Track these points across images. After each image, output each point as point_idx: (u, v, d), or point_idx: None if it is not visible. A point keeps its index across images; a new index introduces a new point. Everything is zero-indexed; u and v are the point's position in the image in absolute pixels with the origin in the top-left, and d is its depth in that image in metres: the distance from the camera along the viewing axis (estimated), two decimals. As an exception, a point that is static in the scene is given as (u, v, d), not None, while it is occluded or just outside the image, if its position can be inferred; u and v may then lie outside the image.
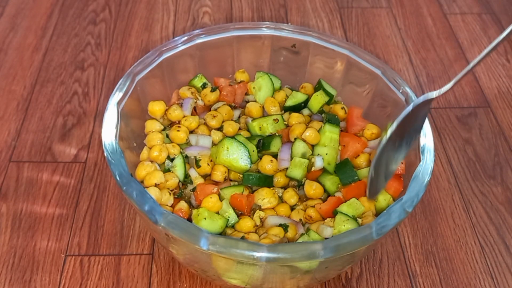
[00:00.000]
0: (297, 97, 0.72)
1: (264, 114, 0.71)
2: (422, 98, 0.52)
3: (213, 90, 0.70)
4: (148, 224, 0.56)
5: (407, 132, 0.54)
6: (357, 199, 0.60)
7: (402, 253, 0.70)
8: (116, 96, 0.62)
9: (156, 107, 0.67)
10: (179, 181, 0.63)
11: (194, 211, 0.59)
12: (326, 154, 0.65)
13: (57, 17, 1.02)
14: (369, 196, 0.55)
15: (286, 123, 0.69)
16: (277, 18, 1.05)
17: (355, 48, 0.70)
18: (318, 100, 0.70)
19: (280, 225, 0.60)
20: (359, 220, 0.59)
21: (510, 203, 0.76)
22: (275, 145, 0.66)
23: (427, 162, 0.58)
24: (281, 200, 0.64)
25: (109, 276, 0.66)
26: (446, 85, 0.52)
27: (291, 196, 0.63)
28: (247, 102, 0.72)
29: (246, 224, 0.59)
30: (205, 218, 0.57)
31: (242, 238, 0.58)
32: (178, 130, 0.66)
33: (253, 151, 0.65)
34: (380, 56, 0.98)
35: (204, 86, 0.71)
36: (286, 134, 0.67)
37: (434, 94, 0.52)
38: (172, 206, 0.61)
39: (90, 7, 1.05)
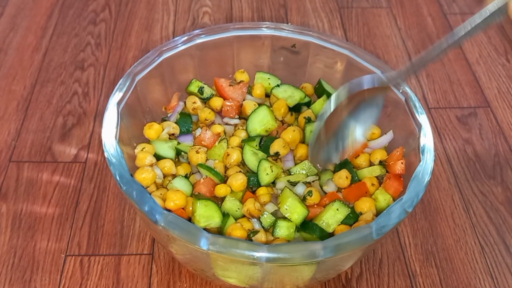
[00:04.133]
0: (297, 97, 0.72)
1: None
2: (371, 82, 0.54)
3: (206, 99, 0.71)
4: (148, 224, 0.56)
5: (362, 107, 0.55)
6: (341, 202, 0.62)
7: (402, 253, 0.70)
8: (116, 96, 0.62)
9: (152, 131, 0.66)
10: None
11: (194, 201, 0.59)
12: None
13: (57, 17, 1.02)
14: (311, 161, 0.56)
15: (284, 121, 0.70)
16: (277, 18, 1.05)
17: (355, 48, 0.70)
18: (322, 106, 0.70)
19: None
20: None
21: (510, 203, 0.76)
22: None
23: (427, 162, 0.58)
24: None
25: (109, 276, 0.66)
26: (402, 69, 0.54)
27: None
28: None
29: (238, 226, 0.59)
30: (205, 205, 0.59)
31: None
32: (197, 152, 0.65)
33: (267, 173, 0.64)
34: (380, 56, 0.98)
35: (201, 90, 0.71)
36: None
37: (386, 79, 0.54)
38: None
39: (90, 7, 1.05)
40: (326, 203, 0.62)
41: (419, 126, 0.62)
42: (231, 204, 0.61)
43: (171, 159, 0.65)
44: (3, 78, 0.90)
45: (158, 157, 0.65)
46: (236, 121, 0.70)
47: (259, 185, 0.63)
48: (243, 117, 0.71)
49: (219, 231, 0.60)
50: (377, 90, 0.54)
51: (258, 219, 0.61)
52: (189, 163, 0.66)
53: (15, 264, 0.67)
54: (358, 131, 0.56)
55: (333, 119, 0.52)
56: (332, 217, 0.59)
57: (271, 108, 0.69)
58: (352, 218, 0.61)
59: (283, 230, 0.59)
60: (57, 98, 0.87)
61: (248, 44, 0.74)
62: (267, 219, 0.60)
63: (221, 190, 0.62)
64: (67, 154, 0.79)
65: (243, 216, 0.61)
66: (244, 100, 0.72)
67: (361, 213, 0.61)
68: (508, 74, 0.96)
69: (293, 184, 0.64)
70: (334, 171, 0.66)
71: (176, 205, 0.59)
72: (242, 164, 0.66)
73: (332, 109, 0.52)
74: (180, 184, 0.62)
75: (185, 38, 0.70)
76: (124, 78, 0.64)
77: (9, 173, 0.76)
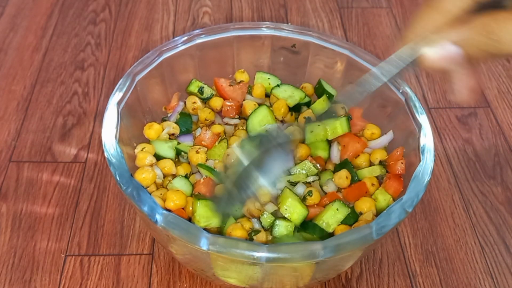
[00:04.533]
0: (297, 97, 0.72)
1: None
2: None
3: (206, 99, 0.71)
4: (148, 224, 0.56)
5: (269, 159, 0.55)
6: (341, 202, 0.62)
7: (402, 253, 0.70)
8: (116, 96, 0.62)
9: (152, 131, 0.66)
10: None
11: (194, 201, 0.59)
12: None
13: (57, 17, 1.02)
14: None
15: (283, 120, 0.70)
16: (277, 18, 1.05)
17: (355, 48, 0.70)
18: (323, 106, 0.70)
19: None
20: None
21: (510, 203, 0.76)
22: None
23: (427, 162, 0.58)
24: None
25: (109, 276, 0.66)
26: None
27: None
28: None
29: (238, 227, 0.59)
30: (205, 205, 0.58)
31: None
32: (197, 152, 0.65)
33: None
34: (380, 56, 0.98)
35: (201, 90, 0.71)
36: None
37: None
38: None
39: (90, 7, 1.05)
40: (326, 203, 0.62)
41: (419, 126, 0.62)
42: None
43: (171, 159, 0.65)
44: (3, 78, 0.90)
45: (158, 157, 0.65)
46: (236, 121, 0.70)
47: (259, 185, 0.63)
48: (243, 117, 0.71)
49: (219, 231, 0.60)
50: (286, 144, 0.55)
51: (258, 219, 0.61)
52: (189, 163, 0.66)
53: (15, 264, 0.67)
54: (265, 181, 0.57)
55: (243, 173, 0.54)
56: (332, 217, 0.59)
57: (271, 108, 0.69)
58: (352, 218, 0.61)
59: (282, 229, 0.59)
60: (57, 98, 0.87)
61: (248, 44, 0.74)
62: (267, 219, 0.60)
63: (221, 190, 0.62)
64: (67, 154, 0.79)
65: (243, 216, 0.61)
66: (244, 100, 0.72)
67: (361, 213, 0.61)
68: (508, 74, 0.96)
69: (293, 184, 0.64)
70: (334, 171, 0.66)
71: (176, 205, 0.59)
72: (242, 164, 0.66)
73: (245, 164, 0.53)
74: (180, 184, 0.62)
75: (185, 38, 0.70)
76: (124, 78, 0.64)
77: (9, 173, 0.76)
